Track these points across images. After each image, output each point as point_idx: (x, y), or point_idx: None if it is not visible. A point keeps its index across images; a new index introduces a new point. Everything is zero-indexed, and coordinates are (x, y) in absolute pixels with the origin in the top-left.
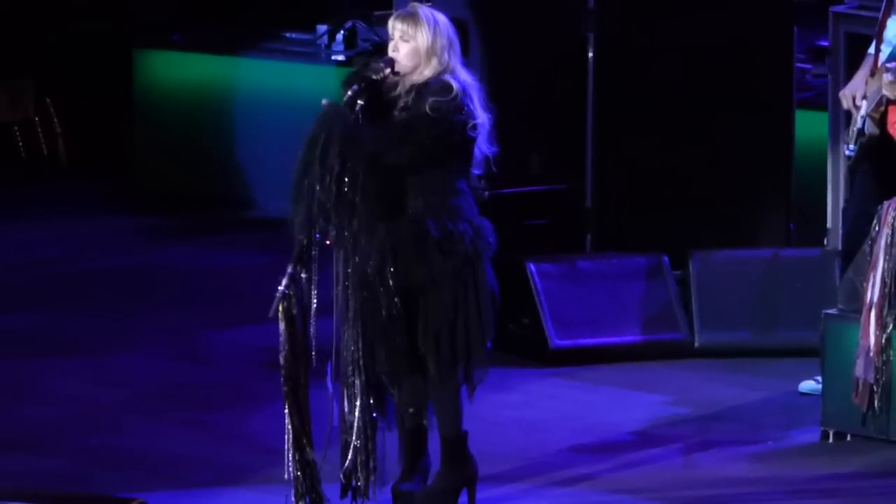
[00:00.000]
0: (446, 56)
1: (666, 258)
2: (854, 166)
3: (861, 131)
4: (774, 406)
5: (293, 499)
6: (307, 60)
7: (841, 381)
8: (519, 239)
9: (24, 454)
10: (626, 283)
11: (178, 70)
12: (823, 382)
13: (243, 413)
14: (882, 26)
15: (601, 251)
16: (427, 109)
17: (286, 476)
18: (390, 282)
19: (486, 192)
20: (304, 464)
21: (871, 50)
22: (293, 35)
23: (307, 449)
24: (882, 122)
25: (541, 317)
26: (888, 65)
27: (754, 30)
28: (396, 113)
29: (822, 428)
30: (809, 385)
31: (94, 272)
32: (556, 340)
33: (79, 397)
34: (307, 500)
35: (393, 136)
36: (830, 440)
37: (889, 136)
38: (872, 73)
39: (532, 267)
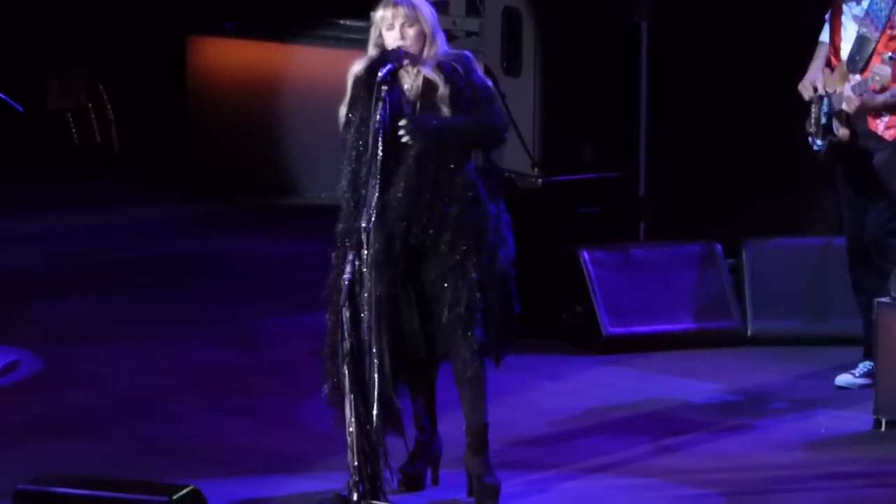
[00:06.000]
0: (441, 31)
1: (719, 246)
2: (826, 160)
3: (828, 128)
4: (827, 394)
5: (354, 478)
6: (360, 47)
7: (893, 369)
8: (572, 227)
9: (76, 441)
10: (679, 271)
11: (231, 57)
12: (876, 371)
13: (294, 401)
14: (837, 12)
15: (654, 239)
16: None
17: (349, 461)
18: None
19: (540, 180)
20: (365, 450)
21: (824, 37)
22: (346, 22)
23: (371, 436)
24: (848, 121)
25: (594, 305)
26: (851, 81)
27: (806, 18)
28: (416, 95)
29: (875, 416)
30: (846, 379)
31: (146, 259)
32: (609, 328)
33: (130, 384)
34: (360, 488)
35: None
36: (883, 428)
37: (856, 134)
38: (828, 64)
39: (585, 255)
